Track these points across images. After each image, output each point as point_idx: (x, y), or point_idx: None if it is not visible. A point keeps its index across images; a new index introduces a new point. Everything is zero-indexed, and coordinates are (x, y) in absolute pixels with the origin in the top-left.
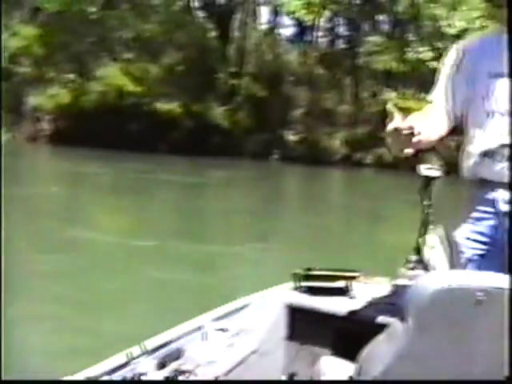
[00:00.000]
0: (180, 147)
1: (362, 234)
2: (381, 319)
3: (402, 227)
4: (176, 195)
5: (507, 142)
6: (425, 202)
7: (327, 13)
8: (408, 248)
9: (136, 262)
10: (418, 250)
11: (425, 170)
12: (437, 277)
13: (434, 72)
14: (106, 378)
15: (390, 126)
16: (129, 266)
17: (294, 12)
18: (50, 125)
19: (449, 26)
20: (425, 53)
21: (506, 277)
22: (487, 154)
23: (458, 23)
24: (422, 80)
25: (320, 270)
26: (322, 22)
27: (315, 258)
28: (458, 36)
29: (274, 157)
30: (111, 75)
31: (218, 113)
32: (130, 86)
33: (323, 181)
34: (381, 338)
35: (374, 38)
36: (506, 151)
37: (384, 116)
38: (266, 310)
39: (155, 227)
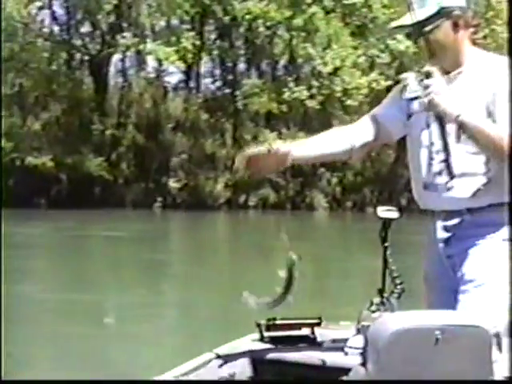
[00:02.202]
0: (60, 201)
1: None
2: (345, 364)
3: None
4: (62, 250)
5: (438, 171)
6: (385, 244)
7: (209, 58)
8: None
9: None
10: (381, 292)
11: (383, 212)
12: (394, 318)
13: (312, 111)
14: None
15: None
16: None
17: (166, 59)
18: None
19: (323, 64)
20: (301, 92)
21: (463, 313)
22: (426, 187)
23: (331, 61)
24: (301, 120)
25: (283, 319)
26: (207, 68)
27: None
28: (332, 73)
29: (157, 205)
30: None
31: (96, 164)
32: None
33: (209, 225)
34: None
35: (252, 81)
36: (440, 179)
37: None
38: (231, 363)
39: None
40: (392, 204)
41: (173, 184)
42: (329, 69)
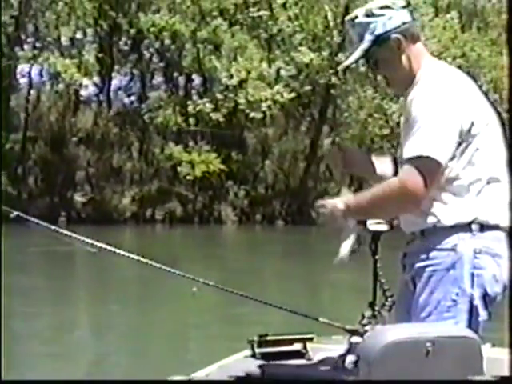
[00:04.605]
0: None
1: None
2: (338, 378)
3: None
4: None
5: None
6: (376, 257)
7: (125, 72)
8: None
9: None
10: (372, 305)
11: (372, 225)
12: (385, 331)
13: (222, 124)
14: None
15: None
16: None
17: (65, 72)
18: None
19: (229, 77)
20: (205, 105)
21: (452, 325)
22: None
23: (236, 74)
24: (210, 133)
25: (275, 335)
26: (125, 81)
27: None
28: (237, 86)
29: (61, 219)
30: None
31: None
32: None
33: (115, 239)
34: None
35: (157, 94)
36: None
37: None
38: (225, 381)
39: None
40: (302, 217)
41: (78, 198)
42: (234, 81)
